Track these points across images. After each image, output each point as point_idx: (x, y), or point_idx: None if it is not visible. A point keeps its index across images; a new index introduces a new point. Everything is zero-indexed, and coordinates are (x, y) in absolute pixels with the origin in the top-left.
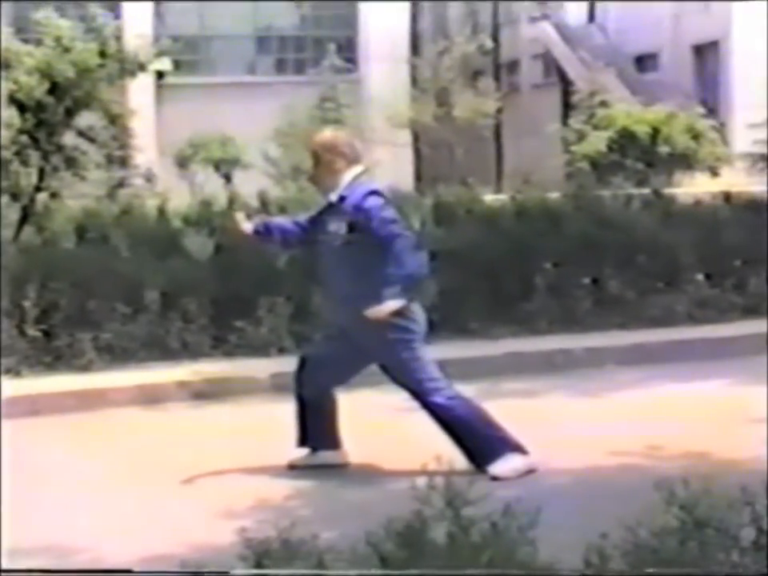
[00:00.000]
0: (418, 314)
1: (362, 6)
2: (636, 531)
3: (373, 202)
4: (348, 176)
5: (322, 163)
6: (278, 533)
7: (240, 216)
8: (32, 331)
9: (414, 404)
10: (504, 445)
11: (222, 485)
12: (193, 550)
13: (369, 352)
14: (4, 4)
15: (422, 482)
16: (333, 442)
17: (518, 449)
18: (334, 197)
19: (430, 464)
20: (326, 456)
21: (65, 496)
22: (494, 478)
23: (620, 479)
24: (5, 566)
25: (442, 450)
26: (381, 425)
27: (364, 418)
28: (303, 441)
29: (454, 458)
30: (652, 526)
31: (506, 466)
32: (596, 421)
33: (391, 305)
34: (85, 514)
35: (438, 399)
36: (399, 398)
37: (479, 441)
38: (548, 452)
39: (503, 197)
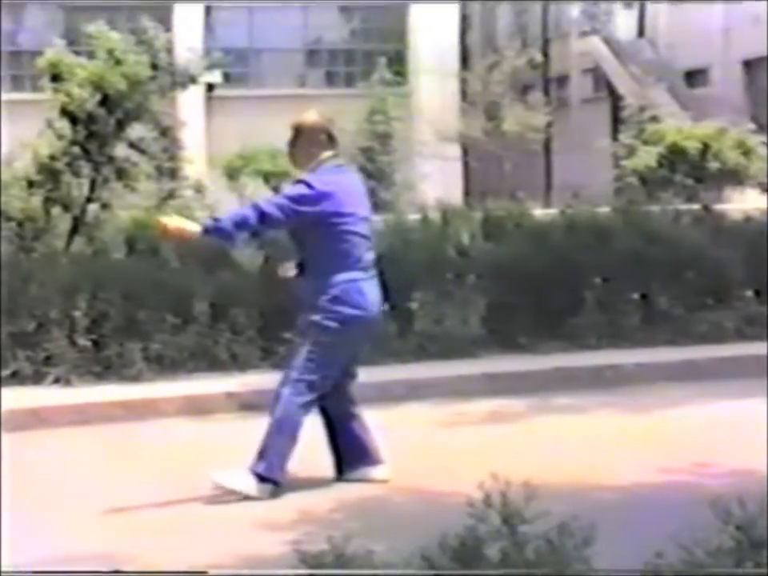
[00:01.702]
0: (335, 311)
1: (412, 19)
2: (691, 550)
3: (292, 187)
4: (319, 159)
5: (299, 143)
6: (332, 546)
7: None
8: (82, 341)
9: (462, 418)
10: (255, 470)
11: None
12: (241, 562)
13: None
14: (56, 16)
15: (477, 498)
16: (372, 458)
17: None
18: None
19: (486, 481)
20: (365, 472)
21: (111, 504)
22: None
23: (669, 496)
24: (5, 567)
25: (491, 464)
26: (427, 439)
27: (410, 431)
28: (339, 466)
29: (510, 474)
30: (706, 545)
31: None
32: (644, 437)
33: (194, 227)
34: (128, 523)
35: (288, 396)
36: (447, 411)
37: (267, 449)
38: (597, 468)
39: (552, 211)
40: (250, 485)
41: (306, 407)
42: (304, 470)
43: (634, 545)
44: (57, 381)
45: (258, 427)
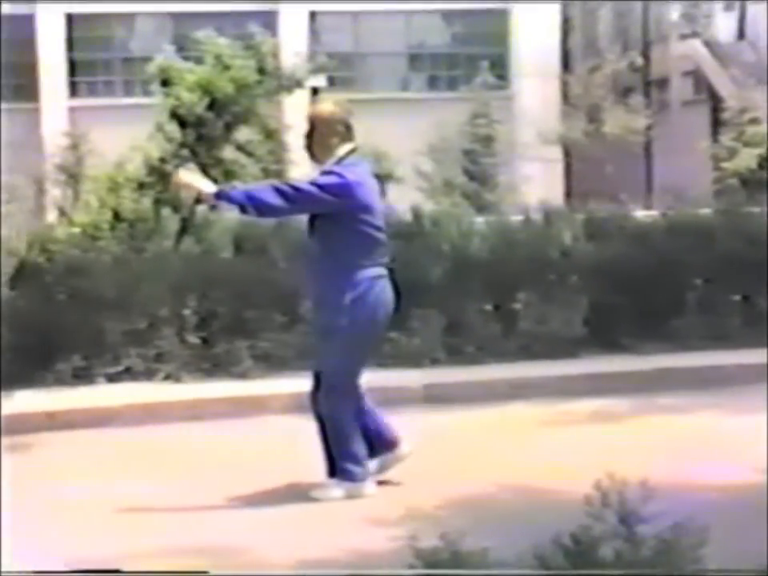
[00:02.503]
0: (361, 308)
1: (513, 23)
2: None
3: (323, 176)
4: (339, 153)
5: (316, 135)
6: (446, 543)
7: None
8: (192, 338)
9: (567, 417)
10: (343, 472)
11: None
12: (355, 557)
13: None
14: (165, 22)
15: (593, 496)
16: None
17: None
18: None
19: (603, 480)
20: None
21: (220, 498)
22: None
23: None
24: (5, 567)
25: (599, 463)
26: (532, 438)
27: (516, 430)
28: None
29: (626, 474)
30: None
31: (326, 490)
32: (747, 437)
33: (207, 187)
34: (244, 516)
35: (333, 397)
36: (551, 410)
37: (340, 450)
38: (702, 468)
39: (653, 213)
40: (349, 487)
41: (352, 401)
42: (413, 466)
43: (745, 546)
44: (167, 377)
45: None
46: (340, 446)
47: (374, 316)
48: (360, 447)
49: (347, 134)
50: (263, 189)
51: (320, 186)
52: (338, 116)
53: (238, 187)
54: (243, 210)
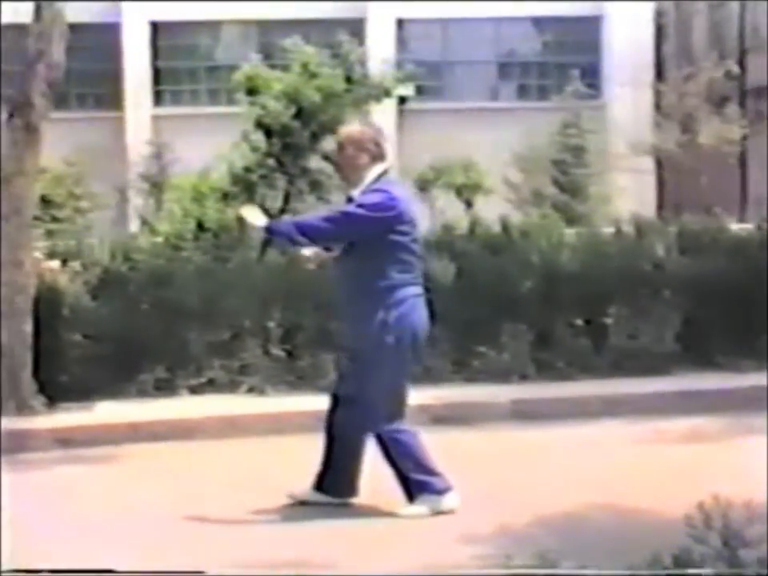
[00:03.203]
0: (405, 328)
1: (605, 31)
2: None
3: (369, 195)
4: (372, 173)
5: (346, 156)
6: (542, 561)
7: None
8: (276, 351)
9: (661, 436)
10: (422, 487)
11: (463, 508)
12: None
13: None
14: (251, 31)
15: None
16: (351, 491)
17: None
18: (355, 193)
19: (706, 501)
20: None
21: (307, 512)
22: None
23: None
24: (5, 568)
25: (696, 484)
26: (626, 456)
27: (609, 448)
28: (320, 484)
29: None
30: None
31: (415, 509)
32: None
33: (259, 221)
34: (327, 531)
35: (382, 420)
36: (645, 428)
37: (410, 472)
38: None
39: (748, 226)
40: (432, 501)
41: (396, 418)
42: (503, 483)
43: None
44: (251, 390)
45: (449, 439)
46: (409, 462)
47: (417, 334)
48: (429, 459)
49: (379, 153)
50: (310, 217)
51: (368, 206)
52: (368, 135)
53: (286, 220)
54: (294, 242)
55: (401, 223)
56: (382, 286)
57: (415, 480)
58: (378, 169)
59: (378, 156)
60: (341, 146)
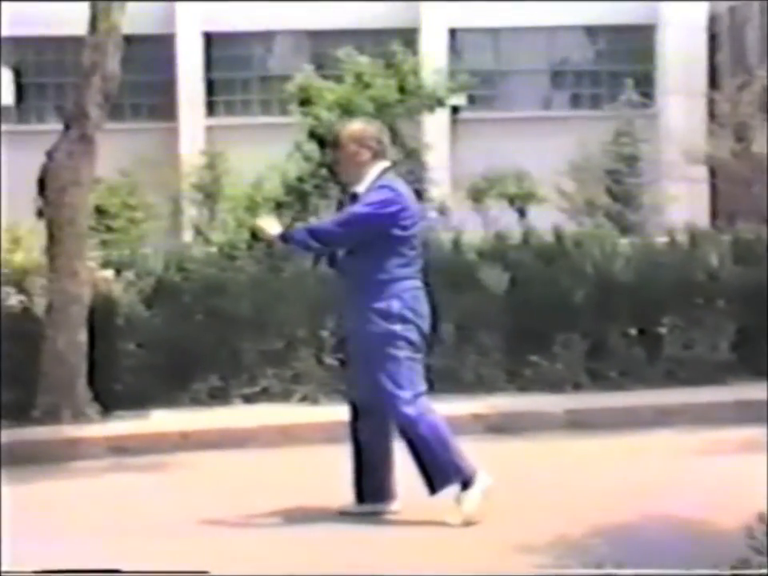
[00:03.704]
0: (410, 318)
1: (659, 39)
2: None
3: (375, 193)
4: (374, 170)
5: (346, 153)
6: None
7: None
8: (329, 360)
9: (716, 446)
10: (456, 473)
11: (518, 518)
12: None
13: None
14: (303, 41)
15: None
16: (390, 494)
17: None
18: (360, 188)
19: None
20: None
21: (360, 522)
22: None
23: None
24: (5, 568)
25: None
26: (680, 467)
27: (662, 458)
28: (360, 496)
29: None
30: None
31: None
32: None
33: (274, 230)
34: (379, 540)
35: (405, 411)
36: (699, 438)
37: (434, 464)
38: None
39: None
40: (470, 498)
41: (422, 408)
42: (560, 492)
43: None
44: (304, 399)
45: (503, 448)
46: (438, 454)
47: (422, 324)
48: (454, 443)
49: (381, 151)
50: (323, 222)
51: (376, 204)
52: (369, 132)
53: (300, 228)
54: (309, 248)
55: (403, 218)
56: (384, 279)
57: (447, 469)
58: (380, 166)
59: (380, 153)
60: (342, 143)
